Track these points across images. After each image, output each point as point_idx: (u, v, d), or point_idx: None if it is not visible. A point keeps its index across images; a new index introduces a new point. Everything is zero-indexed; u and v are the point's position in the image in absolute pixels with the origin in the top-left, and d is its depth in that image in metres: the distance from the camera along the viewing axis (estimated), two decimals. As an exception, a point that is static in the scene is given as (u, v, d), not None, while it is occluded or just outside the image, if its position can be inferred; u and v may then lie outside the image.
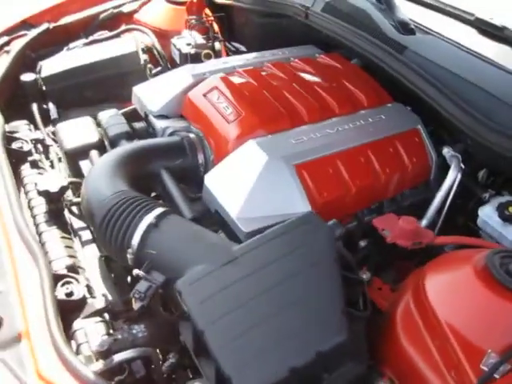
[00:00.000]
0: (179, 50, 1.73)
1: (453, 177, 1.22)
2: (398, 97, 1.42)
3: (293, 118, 1.27)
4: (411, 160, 1.27)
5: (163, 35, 1.85)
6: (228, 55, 1.84)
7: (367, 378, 0.84)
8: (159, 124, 1.37)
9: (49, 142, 1.47)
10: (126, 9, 1.90)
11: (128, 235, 0.98)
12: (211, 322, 0.81)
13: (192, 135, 1.30)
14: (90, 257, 1.16)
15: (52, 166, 1.41)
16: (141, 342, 0.92)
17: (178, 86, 1.41)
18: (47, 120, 1.60)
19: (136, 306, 0.92)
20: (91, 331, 0.94)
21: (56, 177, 1.21)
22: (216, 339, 0.79)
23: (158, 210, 1.00)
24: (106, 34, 1.83)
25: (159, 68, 1.77)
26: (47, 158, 1.43)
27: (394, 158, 1.26)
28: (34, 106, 1.58)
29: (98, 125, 1.39)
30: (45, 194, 1.17)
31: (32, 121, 1.56)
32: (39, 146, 1.43)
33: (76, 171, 1.31)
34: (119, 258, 1.01)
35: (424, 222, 1.21)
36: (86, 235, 1.21)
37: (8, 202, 1.10)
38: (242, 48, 1.88)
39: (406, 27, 1.48)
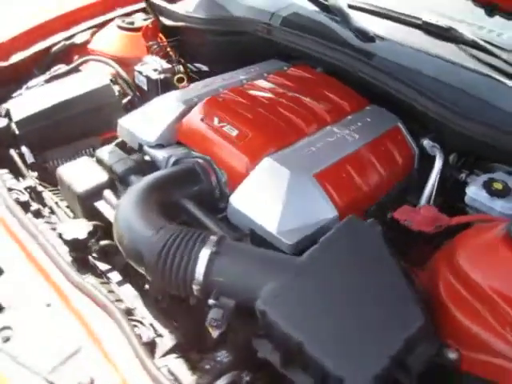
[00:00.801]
0: (147, 76, 1.74)
1: (439, 165, 1.40)
2: (370, 99, 1.57)
3: (295, 131, 1.36)
4: (400, 154, 1.43)
5: (121, 63, 1.83)
6: (190, 77, 1.87)
7: (439, 352, 0.96)
8: (160, 154, 1.39)
9: (39, 188, 1.42)
10: (78, 40, 1.85)
11: (190, 268, 1.00)
12: (306, 332, 0.88)
13: (200, 160, 1.33)
14: (130, 296, 1.16)
15: (52, 212, 1.37)
16: (227, 367, 0.96)
17: (170, 113, 1.44)
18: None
19: (215, 333, 0.96)
20: (176, 369, 0.96)
21: (78, 223, 1.18)
22: (317, 347, 0.87)
23: (213, 238, 1.04)
24: (63, 67, 1.77)
25: (129, 97, 1.76)
26: (43, 205, 1.38)
27: (388, 154, 1.40)
28: (13, 152, 1.50)
29: (100, 163, 1.37)
30: (73, 242, 1.14)
31: (12, 168, 1.48)
32: (32, 193, 1.38)
33: (89, 214, 1.28)
34: (182, 291, 1.03)
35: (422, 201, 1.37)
36: (116, 276, 1.20)
37: (51, 260, 1.07)
38: (204, 68, 1.93)
39: (365, 35, 1.63)
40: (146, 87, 1.77)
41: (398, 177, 1.43)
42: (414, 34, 1.65)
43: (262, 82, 1.56)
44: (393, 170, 1.39)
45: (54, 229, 1.24)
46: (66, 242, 1.16)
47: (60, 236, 1.17)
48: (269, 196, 1.19)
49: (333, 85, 1.59)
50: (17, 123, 1.51)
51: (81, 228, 1.16)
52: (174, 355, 1.00)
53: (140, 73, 1.77)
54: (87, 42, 1.88)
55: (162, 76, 1.72)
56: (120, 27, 1.90)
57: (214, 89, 1.53)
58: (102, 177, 1.32)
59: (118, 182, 1.32)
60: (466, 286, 1.01)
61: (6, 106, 1.57)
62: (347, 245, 1.02)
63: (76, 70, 1.78)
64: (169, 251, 1.02)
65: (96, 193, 1.28)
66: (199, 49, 1.84)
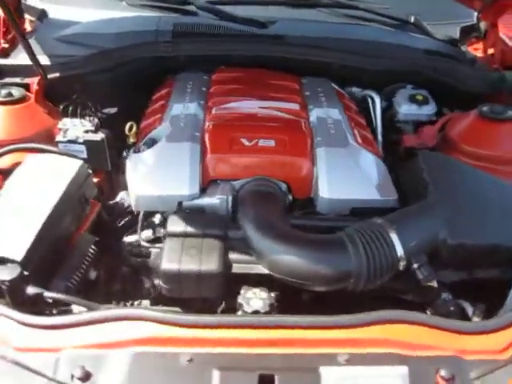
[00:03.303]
0: (88, 141, 1.50)
1: (379, 103, 1.78)
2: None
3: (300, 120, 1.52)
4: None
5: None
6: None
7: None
8: (209, 201, 1.33)
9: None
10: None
11: (393, 253, 1.14)
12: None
13: (262, 181, 1.36)
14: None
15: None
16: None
17: (191, 158, 1.37)
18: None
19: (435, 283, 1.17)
20: None
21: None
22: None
23: (380, 221, 1.19)
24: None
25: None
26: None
27: (351, 109, 1.70)
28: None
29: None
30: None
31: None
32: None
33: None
34: (387, 276, 1.17)
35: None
36: None
37: None
38: (112, 110, 1.73)
39: (257, 23, 1.81)
40: (85, 155, 1.52)
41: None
42: (286, 11, 1.93)
43: (225, 95, 1.59)
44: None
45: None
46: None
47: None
48: (349, 175, 1.37)
49: (270, 73, 1.75)
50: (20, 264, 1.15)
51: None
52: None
53: (73, 142, 1.50)
54: None
55: (103, 133, 1.51)
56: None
57: (199, 119, 1.49)
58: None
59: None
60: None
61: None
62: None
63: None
64: (368, 253, 1.13)
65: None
66: (99, 92, 1.64)
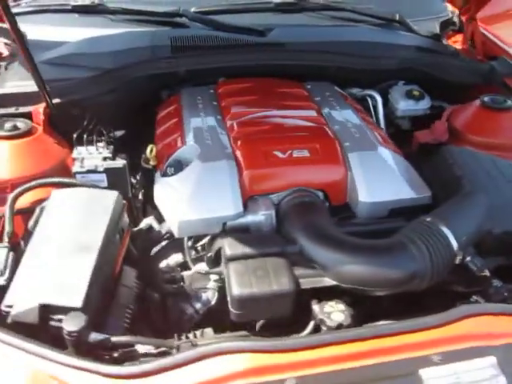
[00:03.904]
0: (108, 169, 1.42)
1: (380, 102, 1.83)
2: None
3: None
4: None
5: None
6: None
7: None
8: (253, 218, 1.31)
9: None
10: None
11: (450, 247, 1.18)
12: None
13: (302, 192, 1.35)
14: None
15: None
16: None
17: (229, 176, 1.34)
18: None
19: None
20: None
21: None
22: None
23: (428, 219, 1.22)
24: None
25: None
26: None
27: (360, 111, 1.73)
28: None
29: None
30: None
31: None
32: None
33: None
34: (445, 274, 1.21)
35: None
36: None
37: None
38: (119, 132, 1.65)
39: (256, 32, 1.80)
40: (106, 183, 1.44)
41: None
42: (273, 17, 1.93)
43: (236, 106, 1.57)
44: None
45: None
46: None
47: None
48: (385, 177, 1.40)
49: (272, 82, 1.74)
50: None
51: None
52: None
53: (93, 171, 1.42)
54: None
55: (124, 159, 1.44)
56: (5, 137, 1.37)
57: (219, 133, 1.46)
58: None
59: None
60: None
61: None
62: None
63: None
64: (430, 251, 1.16)
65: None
66: (105, 116, 1.56)
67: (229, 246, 1.21)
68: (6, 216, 1.21)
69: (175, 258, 1.36)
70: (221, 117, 1.56)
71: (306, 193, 1.37)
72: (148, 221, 1.46)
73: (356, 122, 1.58)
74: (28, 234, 1.21)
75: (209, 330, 1.25)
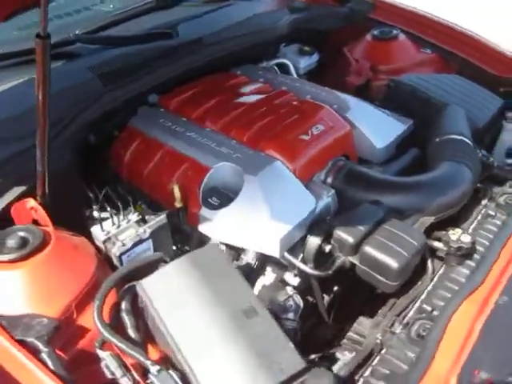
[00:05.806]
0: (152, 232, 1.18)
1: (292, 66, 1.92)
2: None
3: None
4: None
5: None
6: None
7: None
8: (322, 203, 1.30)
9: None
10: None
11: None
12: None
13: (340, 162, 1.41)
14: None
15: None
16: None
17: (288, 177, 1.29)
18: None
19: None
20: None
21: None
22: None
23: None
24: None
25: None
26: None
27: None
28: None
29: None
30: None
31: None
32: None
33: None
34: None
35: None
36: None
37: None
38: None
39: (164, 35, 1.65)
40: (151, 250, 1.20)
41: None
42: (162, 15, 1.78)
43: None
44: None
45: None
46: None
47: None
48: (381, 122, 1.56)
49: (211, 79, 1.67)
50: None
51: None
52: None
53: (139, 242, 1.15)
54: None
55: (163, 219, 1.21)
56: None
57: (231, 144, 1.38)
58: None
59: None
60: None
61: None
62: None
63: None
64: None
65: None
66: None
67: (346, 234, 1.19)
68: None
69: (271, 280, 1.27)
70: (203, 127, 1.44)
71: (342, 161, 1.41)
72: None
73: (313, 88, 1.65)
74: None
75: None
